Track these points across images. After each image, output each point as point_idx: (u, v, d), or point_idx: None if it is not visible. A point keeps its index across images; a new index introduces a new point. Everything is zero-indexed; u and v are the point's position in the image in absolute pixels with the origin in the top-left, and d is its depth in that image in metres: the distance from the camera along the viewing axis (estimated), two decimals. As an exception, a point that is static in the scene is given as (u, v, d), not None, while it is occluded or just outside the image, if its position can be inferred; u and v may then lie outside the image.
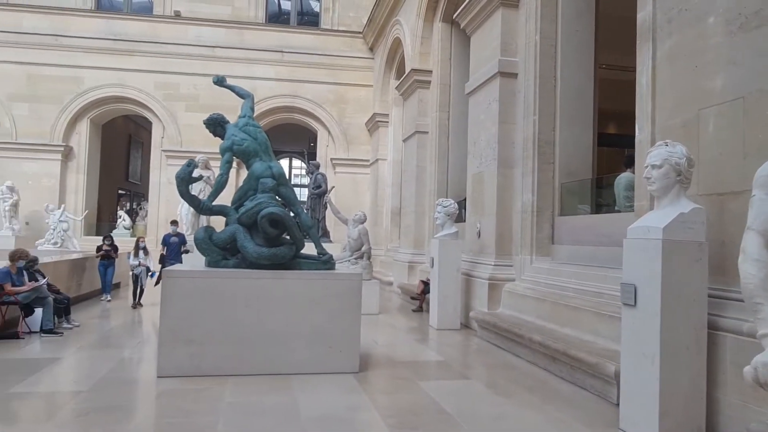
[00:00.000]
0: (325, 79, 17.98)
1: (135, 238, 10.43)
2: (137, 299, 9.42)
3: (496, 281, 7.68)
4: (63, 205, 14.87)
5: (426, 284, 9.74)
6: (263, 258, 5.11)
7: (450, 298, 8.04)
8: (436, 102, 11.84)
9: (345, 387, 4.81)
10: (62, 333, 6.72)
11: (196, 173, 5.48)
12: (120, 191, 24.93)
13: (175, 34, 17.34)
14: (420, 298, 9.85)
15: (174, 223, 10.96)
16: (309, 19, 19.14)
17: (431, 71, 12.21)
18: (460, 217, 9.49)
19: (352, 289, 5.24)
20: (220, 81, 5.91)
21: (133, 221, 19.39)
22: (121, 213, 18.66)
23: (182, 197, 5.30)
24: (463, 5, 8.95)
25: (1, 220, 15.74)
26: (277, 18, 18.87)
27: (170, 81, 17.22)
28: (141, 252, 9.69)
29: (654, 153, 3.93)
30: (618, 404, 4.11)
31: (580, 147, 7.42)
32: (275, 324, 5.02)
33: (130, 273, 9.72)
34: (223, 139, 5.59)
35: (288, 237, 5.38)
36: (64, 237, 13.52)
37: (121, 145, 23.45)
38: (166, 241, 10.38)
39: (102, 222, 19.27)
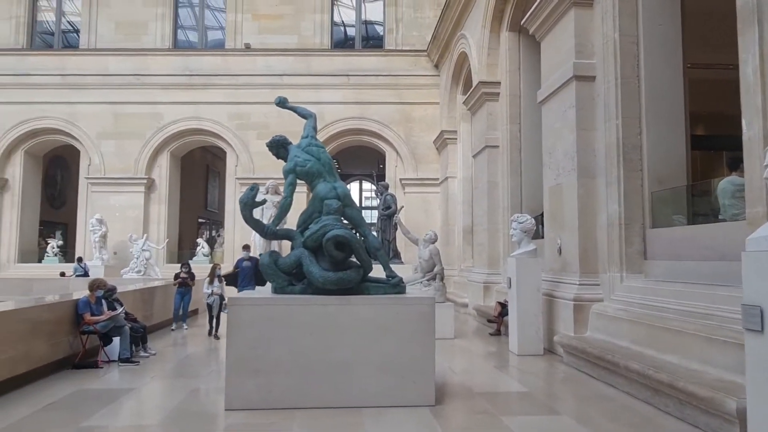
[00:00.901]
0: (391, 99, 17.90)
1: (211, 265, 10.29)
2: (215, 330, 9.13)
3: (582, 302, 7.03)
4: (145, 235, 15.56)
5: (503, 306, 9.19)
6: (329, 283, 4.86)
7: (531, 321, 7.46)
8: (506, 114, 11.34)
9: (420, 423, 4.41)
10: (139, 362, 6.78)
11: (261, 197, 5.35)
12: (200, 220, 26.00)
13: (246, 65, 17.92)
14: (497, 320, 9.28)
15: (246, 247, 10.90)
16: (373, 43, 19.26)
17: (499, 83, 11.75)
18: (537, 234, 8.90)
19: (425, 314, 4.86)
20: (281, 102, 5.81)
21: (212, 248, 20.02)
22: (199, 240, 19.32)
23: (246, 222, 5.18)
24: (531, 10, 8.51)
25: (91, 250, 16.70)
26: (342, 44, 19.11)
27: (242, 111, 17.77)
28: (216, 280, 9.52)
29: (775, 149, 3.33)
30: (745, 449, 3.46)
31: (671, 151, 6.72)
32: (343, 353, 4.73)
33: (205, 302, 9.62)
34: (286, 161, 5.44)
35: (355, 260, 5.11)
36: (146, 265, 14.08)
37: (199, 176, 24.49)
38: (239, 266, 10.23)
39: (183, 250, 20.03)
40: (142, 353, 7.18)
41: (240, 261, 10.38)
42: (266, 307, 4.78)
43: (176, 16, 18.69)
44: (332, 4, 18.67)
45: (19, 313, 6.08)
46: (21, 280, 14.54)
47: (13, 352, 5.70)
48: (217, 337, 8.86)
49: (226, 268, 14.71)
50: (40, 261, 18.48)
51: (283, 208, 5.24)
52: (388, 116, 17.94)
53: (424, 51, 17.93)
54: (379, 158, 19.75)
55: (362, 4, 19.02)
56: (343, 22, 19.22)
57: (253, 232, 13.05)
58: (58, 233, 22.45)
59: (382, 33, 19.01)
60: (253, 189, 5.14)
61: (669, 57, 6.76)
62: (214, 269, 9.70)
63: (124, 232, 16.54)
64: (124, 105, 17.72)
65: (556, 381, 6.20)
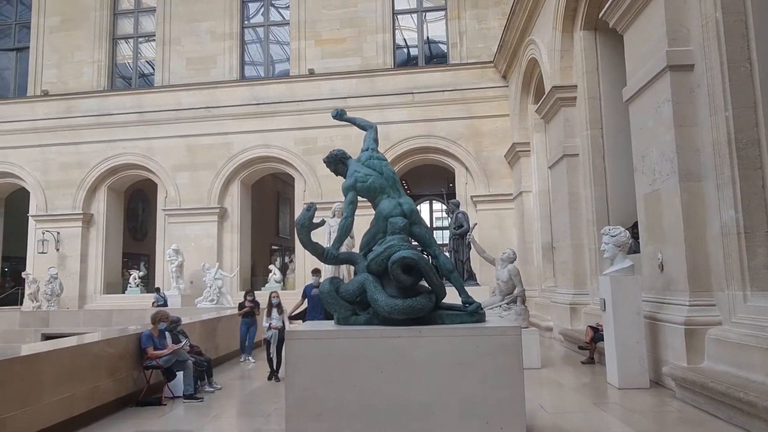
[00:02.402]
0: (458, 114, 17.26)
1: (269, 293, 8.91)
2: (275, 369, 7.84)
3: (694, 326, 5.99)
4: (217, 264, 15.66)
5: (596, 330, 8.20)
6: (397, 311, 4.25)
7: (632, 349, 6.47)
8: (585, 119, 10.40)
9: (511, 479, 3.68)
10: (202, 398, 6.44)
11: (319, 218, 4.86)
12: (273, 247, 26.30)
13: (311, 90, 17.94)
14: (590, 347, 8.28)
15: (316, 272, 9.52)
16: (437, 60, 18.79)
17: (575, 86, 10.83)
18: (629, 248, 7.89)
19: (511, 346, 4.14)
20: (339, 115, 5.37)
21: (284, 275, 20.00)
22: (272, 267, 19.33)
23: (304, 246, 4.69)
24: (610, 0, 7.67)
25: (169, 280, 17.06)
26: (405, 64, 18.79)
27: (308, 136, 17.74)
28: (274, 311, 8.30)
29: None
30: None
31: (799, 143, 5.64)
32: (416, 394, 4.09)
33: (263, 338, 8.41)
34: (345, 177, 4.95)
35: (426, 284, 4.50)
36: (219, 294, 14.08)
37: (270, 203, 24.82)
38: (307, 294, 9.00)
39: (256, 277, 20.15)
40: (206, 388, 6.86)
41: (308, 288, 9.16)
42: (327, 341, 4.24)
43: (243, 48, 19.12)
44: (393, 23, 18.44)
45: (82, 349, 5.91)
46: (103, 311, 15.01)
47: (77, 389, 5.50)
48: (277, 379, 7.61)
49: (297, 294, 14.44)
50: (123, 292, 19.15)
51: (344, 229, 4.73)
52: (456, 132, 17.29)
53: (490, 62, 17.23)
54: (448, 176, 19.09)
55: (424, 22, 18.67)
56: (405, 40, 18.94)
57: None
58: (141, 264, 23.42)
59: (445, 48, 18.52)
60: (310, 209, 4.67)
61: (787, 33, 5.75)
62: (270, 299, 8.56)
63: (199, 262, 16.75)
64: (197, 137, 18.20)
65: (671, 422, 5.23)
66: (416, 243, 4.81)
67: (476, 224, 11.13)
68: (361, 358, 4.18)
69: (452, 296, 4.72)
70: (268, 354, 8.04)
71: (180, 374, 6.46)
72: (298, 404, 4.14)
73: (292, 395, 4.16)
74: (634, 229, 8.14)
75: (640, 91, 7.15)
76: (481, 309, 4.60)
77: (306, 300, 9.04)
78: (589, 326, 8.42)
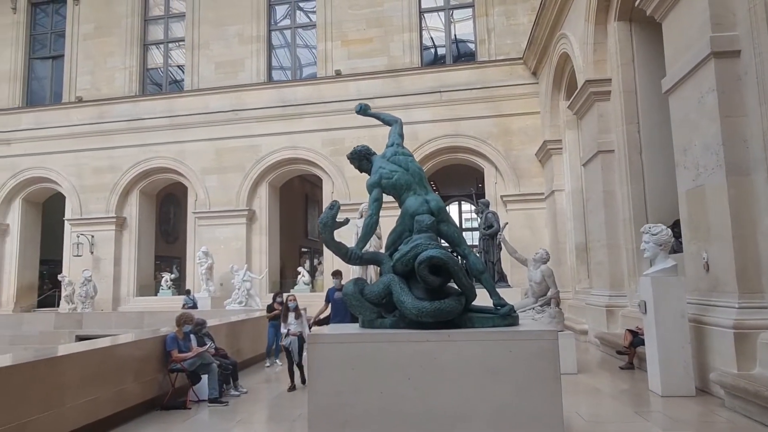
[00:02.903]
0: (487, 112, 16.91)
1: (286, 296, 8.15)
2: (293, 380, 7.18)
3: (745, 330, 5.59)
4: (246, 266, 15.68)
5: (635, 334, 7.82)
6: (425, 314, 4.02)
7: (676, 354, 6.09)
8: (621, 114, 9.97)
9: (549, 495, 3.42)
10: (227, 402, 6.32)
11: (342, 217, 4.67)
12: (302, 249, 26.35)
13: (337, 92, 17.85)
14: (628, 351, 7.89)
15: (336, 274, 8.94)
16: (465, 59, 18.47)
17: (609, 79, 10.42)
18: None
19: (547, 352, 3.88)
20: (363, 110, 5.18)
21: (313, 277, 19.95)
22: (300, 269, 19.30)
23: (327, 246, 4.52)
24: (647, -13, 7.31)
25: (199, 282, 17.17)
26: (432, 63, 18.54)
27: (335, 137, 17.64)
28: (291, 315, 7.54)
29: None
30: None
31: None
32: (445, 402, 3.86)
33: (282, 345, 7.71)
34: (370, 174, 4.76)
35: (455, 286, 4.27)
36: (247, 296, 14.07)
37: (298, 206, 24.86)
38: (330, 298, 8.51)
39: (285, 279, 20.16)
40: (232, 392, 6.76)
41: (331, 291, 8.63)
42: (351, 345, 4.05)
43: (270, 51, 19.17)
44: (420, 22, 18.22)
45: (106, 351, 5.85)
46: (135, 314, 15.19)
47: (101, 392, 5.44)
48: (294, 387, 7.05)
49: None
50: (156, 294, 19.38)
51: (368, 228, 4.53)
52: (485, 131, 16.94)
53: (519, 59, 16.83)
54: (477, 176, 18.74)
55: (451, 20, 18.39)
56: (432, 39, 18.68)
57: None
58: (174, 267, 23.73)
59: (473, 46, 18.19)
60: (333, 207, 4.49)
61: (844, 14, 5.33)
62: (285, 302, 7.79)
63: (228, 264, 16.80)
64: (225, 140, 18.30)
65: (722, 433, 4.86)
66: (445, 242, 4.58)
67: (507, 223, 10.80)
68: (387, 364, 3.98)
69: (482, 298, 4.48)
70: (290, 363, 7.33)
71: (205, 377, 6.37)
72: (322, 411, 3.96)
73: (314, 401, 3.98)
74: (674, 228, 7.72)
75: (682, 81, 6.76)
76: (514, 312, 4.35)
77: (330, 305, 8.63)
78: (628, 330, 8.02)
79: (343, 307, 7.99)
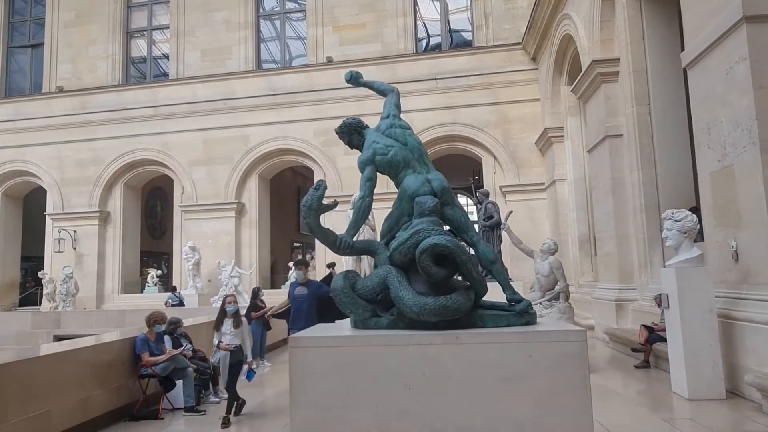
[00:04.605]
0: (485, 100, 16.27)
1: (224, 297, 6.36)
2: (230, 410, 5.34)
3: (784, 326, 5.00)
4: (233, 261, 14.99)
5: (651, 330, 7.22)
6: (428, 312, 3.35)
7: (704, 353, 5.49)
8: (630, 95, 9.35)
9: None
10: (205, 411, 5.68)
11: (326, 202, 3.99)
12: (294, 244, 25.66)
13: (329, 79, 17.10)
14: (644, 348, 7.29)
15: (300, 265, 7.00)
16: (462, 45, 17.79)
17: (617, 59, 9.80)
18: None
19: (575, 356, 3.24)
20: (354, 78, 4.50)
21: (305, 272, 19.23)
22: (291, 264, 18.61)
23: (312, 232, 3.85)
24: (666, -49, 6.67)
25: (185, 279, 16.47)
26: (428, 48, 17.86)
27: (327, 126, 16.84)
28: (228, 322, 5.83)
29: None
30: None
31: None
32: (453, 417, 3.22)
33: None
34: (361, 150, 4.09)
35: (462, 278, 3.62)
36: (235, 292, 13.38)
37: (290, 199, 24.15)
38: (291, 295, 6.76)
39: (276, 275, 19.48)
40: (211, 398, 6.11)
41: (293, 287, 6.84)
42: (341, 349, 3.39)
43: (258, 37, 18.44)
44: (415, 7, 17.52)
45: (70, 355, 5.21)
46: (117, 312, 14.51)
47: (60, 403, 4.78)
48: (228, 422, 5.19)
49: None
50: (141, 291, 18.67)
51: (361, 211, 3.87)
52: (483, 119, 16.31)
53: (518, 44, 16.20)
54: (475, 166, 18.10)
55: (446, 4, 17.70)
56: (426, 25, 17.98)
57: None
58: (162, 263, 23.00)
59: (470, 32, 17.52)
60: (319, 187, 3.81)
61: None
62: (222, 305, 6.07)
63: (216, 259, 16.14)
64: (213, 131, 17.59)
65: (765, 444, 4.26)
66: (449, 228, 3.92)
67: (511, 212, 10.15)
68: (384, 371, 3.32)
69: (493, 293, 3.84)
70: (229, 387, 5.54)
71: (180, 383, 5.71)
72: (305, 430, 3.30)
73: (297, 419, 3.32)
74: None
75: (706, 52, 6.13)
76: (532, 309, 3.70)
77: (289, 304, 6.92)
78: (643, 326, 7.42)
79: (306, 309, 6.47)
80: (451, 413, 3.26)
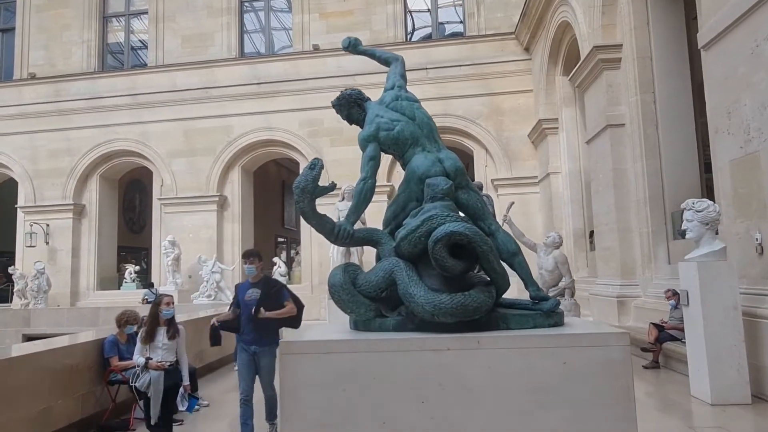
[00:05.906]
0: (476, 91, 15.79)
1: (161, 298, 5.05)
2: None
3: (818, 325, 4.60)
4: (214, 256, 14.36)
5: (660, 328, 6.81)
6: (444, 312, 2.85)
7: (728, 354, 5.08)
8: (634, 82, 8.95)
9: None
10: (182, 420, 5.11)
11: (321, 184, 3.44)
12: (279, 239, 24.99)
13: (316, 68, 16.53)
14: (654, 348, 6.88)
15: (249, 257, 5.10)
16: (453, 34, 17.30)
17: (620, 45, 9.38)
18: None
19: (616, 363, 2.78)
20: (353, 45, 3.98)
21: (290, 268, 18.67)
22: (276, 260, 17.99)
23: (306, 219, 3.32)
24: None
25: (165, 275, 15.77)
26: (418, 37, 17.34)
27: (314, 117, 16.31)
28: (161, 331, 4.71)
29: None
30: None
31: None
32: (477, 437, 2.72)
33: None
34: (362, 126, 3.57)
35: (482, 272, 3.13)
36: (217, 289, 12.79)
37: (275, 193, 23.51)
38: (238, 297, 5.00)
39: (260, 271, 18.82)
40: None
41: (241, 289, 5.07)
42: (340, 355, 2.88)
43: (242, 24, 17.74)
44: (405, -7, 16.97)
45: (31, 359, 4.61)
46: (90, 309, 13.80)
47: (19, 412, 4.19)
48: None
49: (304, 290, 13.03)
50: (119, 288, 17.90)
51: (363, 195, 3.34)
52: (474, 110, 15.84)
53: (511, 34, 15.75)
54: (466, 159, 17.64)
55: (437, -8, 17.19)
56: (412, 17, 17.43)
57: (332, 248, 11.30)
58: (141, 259, 22.16)
59: (461, 23, 17.03)
60: (314, 167, 3.30)
61: None
62: (157, 309, 4.86)
63: (197, 254, 15.45)
64: (194, 120, 16.86)
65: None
66: (463, 215, 3.41)
67: (513, 203, 9.71)
68: (392, 382, 2.82)
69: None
70: (161, 421, 4.45)
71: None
72: (300, 451, 2.78)
73: (289, 436, 2.80)
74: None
75: (727, 31, 5.71)
76: (559, 307, 3.22)
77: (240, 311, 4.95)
78: (653, 324, 7.00)
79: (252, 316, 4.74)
80: (472, 429, 2.77)
